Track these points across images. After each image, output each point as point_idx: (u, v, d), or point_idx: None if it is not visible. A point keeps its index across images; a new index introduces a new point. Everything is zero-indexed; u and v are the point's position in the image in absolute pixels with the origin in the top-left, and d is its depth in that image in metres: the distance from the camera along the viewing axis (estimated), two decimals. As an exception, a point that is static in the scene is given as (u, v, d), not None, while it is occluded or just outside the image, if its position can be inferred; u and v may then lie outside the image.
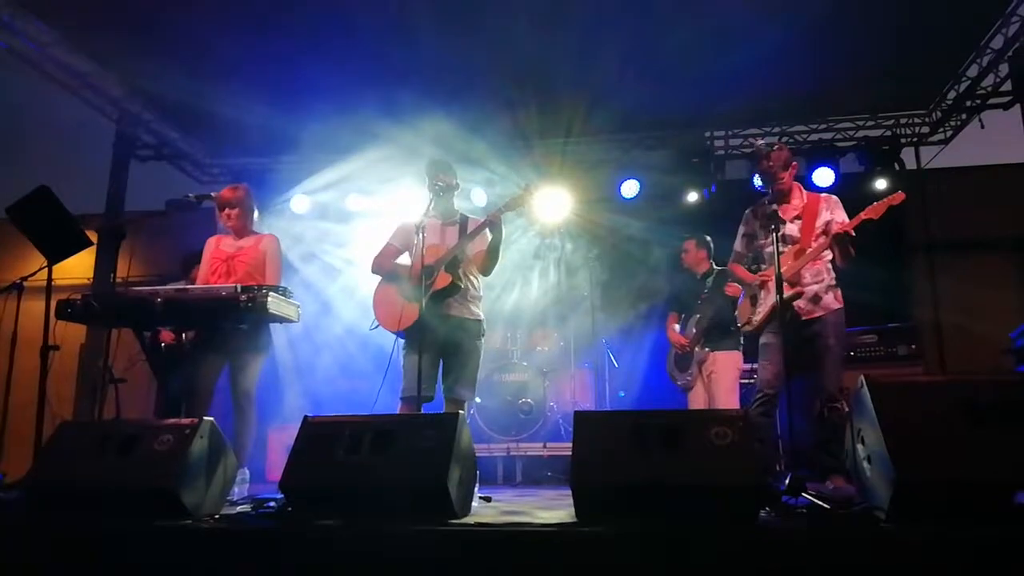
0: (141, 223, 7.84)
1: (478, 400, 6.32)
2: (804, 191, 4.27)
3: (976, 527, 2.30)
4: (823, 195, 4.21)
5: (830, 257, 4.09)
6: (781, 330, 3.87)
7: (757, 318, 4.20)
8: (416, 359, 3.88)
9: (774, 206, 3.93)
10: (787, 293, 3.97)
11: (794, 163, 4.21)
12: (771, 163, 4.15)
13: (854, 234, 3.86)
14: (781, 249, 4.11)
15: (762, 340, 4.21)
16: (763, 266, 4.33)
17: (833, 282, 4.11)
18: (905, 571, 2.27)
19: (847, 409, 3.80)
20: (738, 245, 4.46)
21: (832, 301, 4.07)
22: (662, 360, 6.17)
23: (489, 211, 4.21)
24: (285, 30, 6.09)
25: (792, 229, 4.14)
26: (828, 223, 4.07)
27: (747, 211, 4.43)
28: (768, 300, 4.12)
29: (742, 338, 5.31)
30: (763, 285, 4.19)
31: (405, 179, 7.48)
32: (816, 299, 4.06)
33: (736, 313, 4.51)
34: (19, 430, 4.23)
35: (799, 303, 4.03)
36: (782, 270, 4.03)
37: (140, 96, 7.39)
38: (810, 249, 4.02)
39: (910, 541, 2.31)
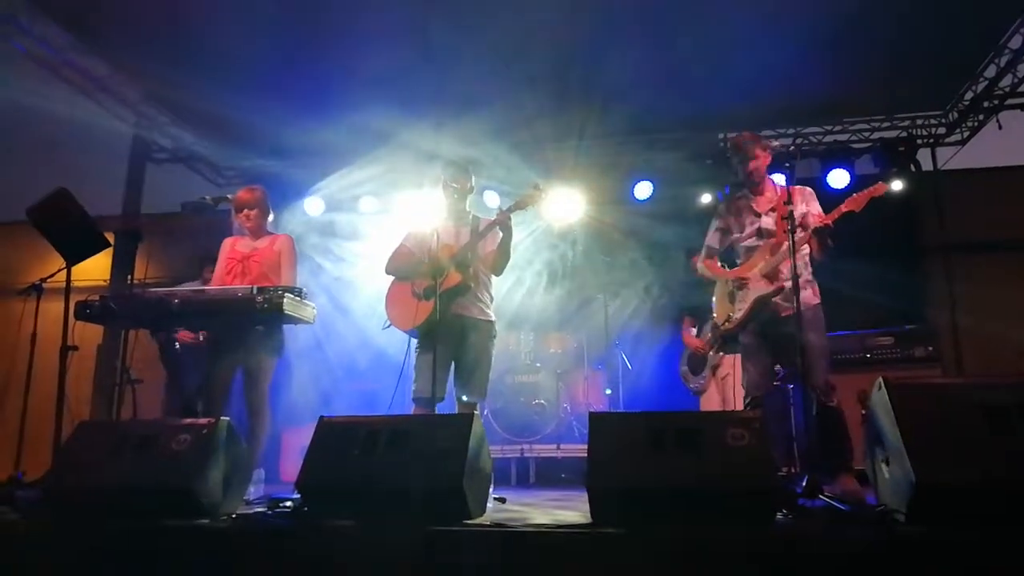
0: (157, 225, 7.91)
1: (493, 395, 6.33)
2: (777, 184, 4.20)
3: (996, 529, 2.28)
4: (797, 187, 4.09)
5: (807, 251, 3.98)
6: (762, 328, 3.80)
7: (737, 315, 4.07)
8: (429, 359, 3.91)
9: (748, 197, 3.85)
10: (767, 289, 3.92)
11: (767, 153, 4.13)
12: (742, 152, 4.10)
13: (832, 226, 3.76)
14: (757, 243, 4.08)
15: (743, 340, 4.10)
16: (738, 261, 4.23)
17: (810, 277, 4.00)
18: (924, 574, 2.25)
19: (839, 402, 3.79)
20: (710, 240, 4.35)
21: (810, 296, 3.95)
22: (674, 362, 6.16)
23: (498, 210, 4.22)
24: (300, 35, 6.12)
25: (767, 222, 4.06)
26: (804, 216, 3.95)
27: (720, 204, 4.35)
28: (748, 297, 4.00)
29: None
30: (742, 284, 4.07)
31: (418, 182, 7.49)
32: (780, 294, 3.94)
33: (713, 313, 4.39)
34: (38, 430, 4.26)
35: (777, 299, 3.94)
36: (759, 266, 3.99)
37: (156, 99, 7.46)
38: (787, 244, 3.93)
39: (929, 544, 2.29)
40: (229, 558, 2.68)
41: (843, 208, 3.77)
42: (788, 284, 3.85)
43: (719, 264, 4.34)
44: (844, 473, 3.75)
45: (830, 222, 3.76)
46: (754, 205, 4.15)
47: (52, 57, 6.50)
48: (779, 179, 4.38)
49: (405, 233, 4.49)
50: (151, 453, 3.06)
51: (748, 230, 4.14)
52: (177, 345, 5.51)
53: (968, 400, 2.63)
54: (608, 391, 6.86)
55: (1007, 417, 2.54)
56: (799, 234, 3.80)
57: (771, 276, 3.93)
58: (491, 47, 6.10)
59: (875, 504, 2.84)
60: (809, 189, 4.14)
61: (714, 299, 4.34)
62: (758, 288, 3.97)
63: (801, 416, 4.12)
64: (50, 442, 3.82)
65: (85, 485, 3.06)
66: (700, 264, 4.41)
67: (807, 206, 4.03)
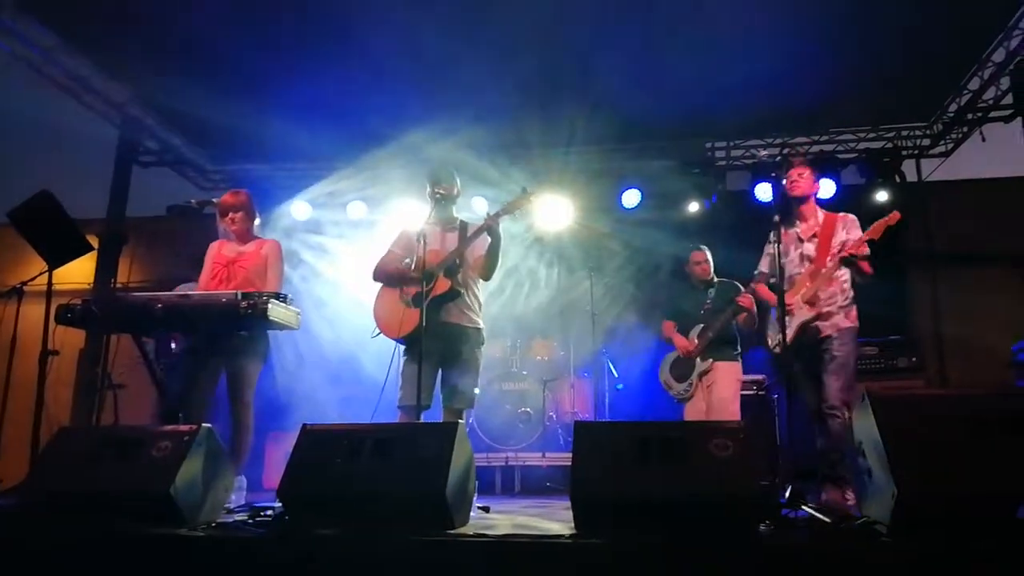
0: (142, 228, 7.83)
1: (478, 402, 6.32)
2: (820, 210, 4.32)
3: (978, 541, 2.29)
4: (840, 215, 4.24)
5: (846, 278, 4.11)
6: (791, 351, 3.90)
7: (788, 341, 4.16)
8: (415, 368, 3.88)
9: (778, 217, 3.92)
10: (809, 314, 4.05)
11: (806, 176, 4.25)
12: (782, 170, 4.25)
13: (862, 253, 3.91)
14: (800, 270, 4.21)
15: (796, 368, 4.18)
16: (785, 287, 4.31)
17: (846, 302, 4.09)
18: (906, 586, 2.26)
19: (847, 419, 3.80)
20: (762, 265, 4.55)
21: (842, 320, 4.07)
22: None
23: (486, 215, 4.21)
24: (289, 38, 6.11)
25: (808, 248, 4.19)
26: (844, 243, 4.08)
27: (771, 232, 4.36)
28: (794, 323, 4.10)
29: (740, 347, 5.30)
30: (788, 311, 4.12)
31: (406, 187, 7.49)
32: (829, 317, 4.07)
33: (767, 335, 4.49)
34: (17, 435, 4.21)
35: (816, 322, 4.06)
36: (801, 292, 4.11)
37: (143, 102, 7.41)
38: (824, 270, 4.05)
39: (911, 555, 2.30)
40: (209, 567, 2.64)
41: (864, 237, 3.97)
42: (827, 309, 4.06)
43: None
44: (830, 485, 3.76)
45: (856, 251, 3.93)
46: (799, 232, 4.28)
47: (38, 57, 6.45)
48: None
49: (394, 237, 4.47)
50: (131, 459, 3.02)
51: (792, 256, 4.27)
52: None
53: (951, 412, 2.64)
54: (620, 386, 6.88)
55: (989, 429, 2.55)
56: (835, 262, 4.02)
57: (811, 301, 4.06)
58: (481, 53, 6.10)
59: (858, 516, 2.84)
60: (852, 216, 4.25)
61: (769, 321, 4.49)
62: (801, 314, 4.11)
63: (786, 426, 4.15)
64: (29, 448, 3.77)
65: (64, 491, 3.02)
66: (753, 286, 4.61)
67: (847, 233, 4.14)
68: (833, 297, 4.08)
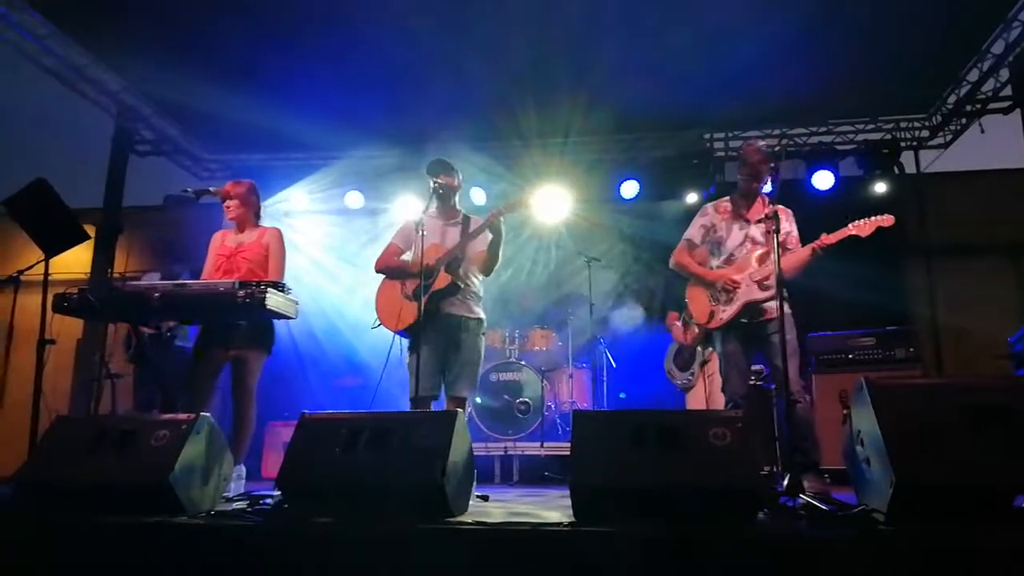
0: (139, 218, 7.82)
1: (478, 400, 6.35)
2: (766, 200, 4.23)
3: (975, 530, 2.29)
4: (780, 207, 4.06)
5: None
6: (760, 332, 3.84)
7: (723, 316, 4.07)
8: (417, 360, 3.92)
9: (775, 207, 3.89)
10: (760, 295, 3.99)
11: (771, 175, 4.18)
12: (753, 171, 4.15)
13: (832, 246, 3.86)
14: (742, 251, 4.15)
15: (726, 348, 4.10)
16: (713, 263, 4.23)
17: (785, 292, 4.00)
18: (904, 574, 2.26)
19: (808, 403, 3.88)
20: (693, 234, 4.34)
21: (787, 306, 3.94)
22: (660, 360, 6.16)
23: (489, 211, 4.21)
24: (285, 29, 6.08)
25: (756, 232, 4.15)
26: (787, 235, 4.06)
27: (707, 204, 4.39)
28: (737, 299, 4.02)
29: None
30: (733, 287, 4.07)
31: (405, 178, 7.48)
32: (771, 301, 4.00)
33: (688, 307, 4.34)
34: (15, 425, 4.20)
35: (764, 304, 4.03)
36: (748, 272, 4.05)
37: (139, 91, 7.37)
38: (792, 256, 3.98)
39: (909, 543, 2.30)
40: (207, 555, 2.64)
41: (851, 230, 3.81)
42: (774, 291, 3.90)
43: (697, 261, 4.32)
44: (807, 472, 3.76)
45: (833, 242, 3.82)
46: (745, 212, 4.22)
47: (32, 46, 6.41)
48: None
49: (396, 229, 4.48)
50: (130, 448, 3.02)
51: (735, 235, 4.20)
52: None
53: (948, 400, 2.65)
54: (623, 395, 6.89)
55: (986, 417, 2.56)
56: (783, 252, 3.86)
57: (766, 286, 3.99)
58: (477, 44, 6.08)
59: (856, 503, 2.85)
60: (789, 210, 4.20)
61: (687, 296, 4.32)
62: (750, 293, 4.01)
63: (784, 416, 4.16)
64: (26, 437, 3.76)
65: (61, 480, 3.02)
66: (677, 257, 4.34)
67: (790, 225, 4.13)
68: (772, 281, 3.97)
